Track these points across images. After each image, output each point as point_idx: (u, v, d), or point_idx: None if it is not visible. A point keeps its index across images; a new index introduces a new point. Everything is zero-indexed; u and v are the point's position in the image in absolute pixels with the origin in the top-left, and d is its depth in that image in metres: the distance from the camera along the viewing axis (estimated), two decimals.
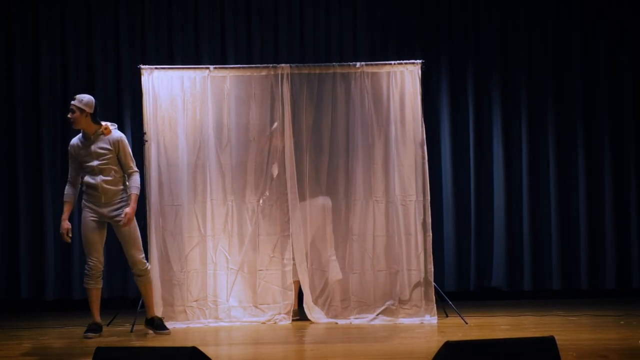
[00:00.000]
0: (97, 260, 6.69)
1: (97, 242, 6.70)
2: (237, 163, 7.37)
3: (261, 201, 7.32)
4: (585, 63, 8.66)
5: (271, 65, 7.41)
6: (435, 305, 7.22)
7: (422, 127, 7.32)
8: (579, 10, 8.67)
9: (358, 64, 7.42)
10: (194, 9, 8.61)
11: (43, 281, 8.37)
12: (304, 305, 7.26)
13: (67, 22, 8.53)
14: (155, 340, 6.50)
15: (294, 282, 7.30)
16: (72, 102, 6.69)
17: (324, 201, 7.35)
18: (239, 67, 7.52)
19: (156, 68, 7.36)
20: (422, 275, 7.25)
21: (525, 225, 8.58)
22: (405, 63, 7.41)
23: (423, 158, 7.31)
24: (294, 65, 7.42)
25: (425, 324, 7.09)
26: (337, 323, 7.19)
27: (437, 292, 7.28)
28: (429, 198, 7.31)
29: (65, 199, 6.78)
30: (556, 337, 4.31)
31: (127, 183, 6.74)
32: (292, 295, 7.29)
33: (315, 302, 7.27)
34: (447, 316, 7.37)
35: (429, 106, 8.41)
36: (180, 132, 7.32)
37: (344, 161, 7.38)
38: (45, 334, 6.94)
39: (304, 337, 6.68)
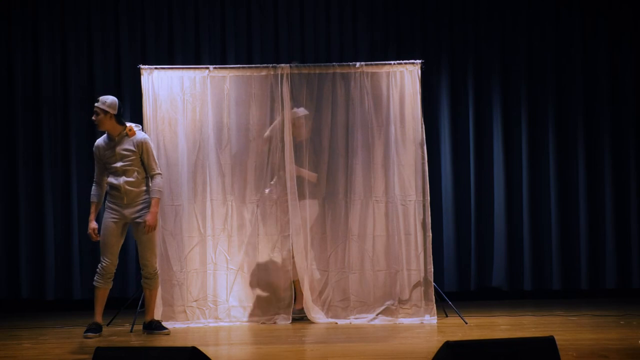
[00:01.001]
0: (110, 262, 6.70)
1: (113, 245, 6.70)
2: (237, 163, 7.38)
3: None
4: (586, 62, 8.67)
5: (271, 65, 7.41)
6: (435, 305, 7.22)
7: (422, 127, 7.32)
8: (579, 10, 8.68)
9: (358, 64, 7.42)
10: (194, 9, 8.62)
11: (43, 281, 8.37)
12: (304, 305, 7.26)
13: (67, 22, 8.54)
14: (155, 340, 6.50)
15: (295, 281, 7.30)
16: (96, 105, 6.70)
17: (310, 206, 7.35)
18: (239, 67, 7.52)
19: (156, 68, 7.36)
20: (422, 275, 7.25)
21: (526, 225, 8.59)
22: (405, 63, 7.41)
23: (423, 158, 7.31)
24: (294, 65, 7.42)
25: (425, 324, 7.09)
26: (337, 323, 7.19)
27: (437, 292, 7.28)
28: (429, 198, 7.31)
29: (92, 199, 6.78)
30: (556, 337, 4.32)
31: (150, 185, 6.75)
32: (292, 295, 7.29)
33: (315, 302, 7.27)
34: (447, 316, 7.37)
35: (429, 106, 8.42)
36: (180, 132, 7.33)
37: (343, 161, 7.38)
38: (45, 334, 6.94)
39: (304, 337, 6.68)
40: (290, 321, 7.24)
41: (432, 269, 7.24)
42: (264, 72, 7.39)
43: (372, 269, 7.31)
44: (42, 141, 8.45)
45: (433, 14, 8.72)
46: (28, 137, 8.46)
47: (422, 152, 7.31)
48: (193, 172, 7.33)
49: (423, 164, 7.30)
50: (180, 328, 7.07)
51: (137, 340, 6.55)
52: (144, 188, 6.75)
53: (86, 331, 6.67)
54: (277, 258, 7.32)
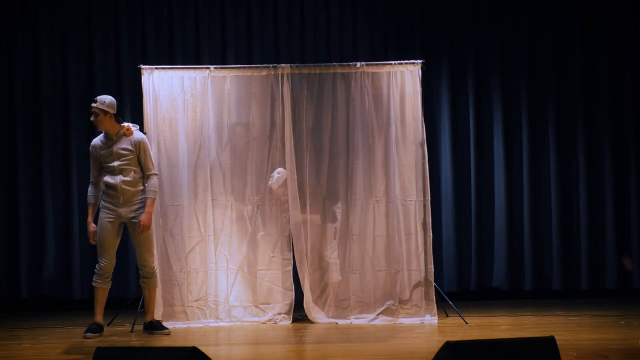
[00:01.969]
0: (108, 262, 6.70)
1: (110, 245, 6.70)
2: (237, 163, 7.38)
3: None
4: (586, 62, 8.67)
5: (271, 65, 7.41)
6: (435, 305, 7.22)
7: (422, 127, 7.31)
8: (579, 10, 8.68)
9: (358, 64, 7.42)
10: (194, 9, 8.61)
11: (43, 281, 8.37)
12: (304, 306, 7.26)
13: (67, 22, 8.54)
14: (155, 340, 6.50)
15: None
16: (94, 105, 6.69)
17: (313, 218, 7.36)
18: (239, 67, 7.52)
19: (156, 68, 7.36)
20: (423, 275, 7.25)
21: (526, 224, 8.59)
22: (406, 63, 7.40)
23: (423, 158, 7.31)
24: (294, 65, 7.41)
25: (426, 324, 7.09)
26: (337, 323, 7.19)
27: (437, 292, 7.27)
28: (429, 198, 7.31)
29: (89, 200, 6.77)
30: (556, 337, 4.32)
31: (146, 185, 6.76)
32: (292, 295, 7.29)
33: (316, 302, 7.27)
34: (447, 316, 7.37)
35: (429, 106, 8.42)
36: (181, 132, 7.32)
37: (344, 161, 7.38)
38: (45, 334, 6.93)
39: (304, 337, 6.68)
40: (291, 321, 7.24)
41: (433, 269, 7.24)
42: (264, 72, 7.39)
43: (373, 269, 7.31)
44: (42, 141, 8.45)
45: (433, 14, 8.72)
46: (28, 137, 8.46)
47: (423, 152, 7.31)
48: (193, 172, 7.33)
49: (423, 163, 7.30)
50: (181, 328, 7.07)
51: (137, 340, 6.55)
52: (141, 188, 6.76)
53: (86, 331, 6.67)
54: (277, 258, 7.31)
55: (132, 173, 6.71)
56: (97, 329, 6.70)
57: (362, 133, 7.37)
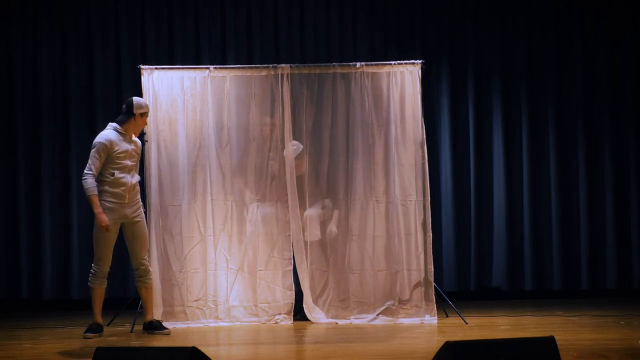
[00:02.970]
0: (106, 263, 6.73)
1: (110, 246, 6.72)
2: (237, 163, 7.38)
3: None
4: (586, 62, 8.67)
5: (271, 65, 7.41)
6: (435, 305, 7.22)
7: (422, 127, 7.32)
8: (579, 10, 8.68)
9: (358, 64, 7.42)
10: (194, 9, 8.61)
11: (43, 281, 8.37)
12: (304, 306, 7.25)
13: (67, 22, 8.53)
14: (155, 340, 6.50)
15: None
16: (148, 111, 6.87)
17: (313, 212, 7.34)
18: (239, 67, 7.52)
19: (156, 68, 7.36)
20: (422, 275, 7.25)
21: (526, 224, 8.59)
22: (405, 63, 7.41)
23: (423, 158, 7.31)
24: (294, 65, 7.42)
25: (426, 324, 7.09)
26: (337, 323, 7.19)
27: (437, 292, 7.28)
28: (429, 198, 7.31)
29: (92, 192, 6.61)
30: (556, 337, 4.32)
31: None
32: (292, 295, 7.29)
33: (315, 302, 7.27)
34: (447, 316, 7.37)
35: (429, 106, 8.41)
36: (181, 132, 7.33)
37: (344, 161, 7.38)
38: (45, 334, 6.94)
39: (304, 337, 6.68)
40: (291, 321, 7.24)
41: (433, 269, 7.24)
42: (264, 72, 7.39)
43: (372, 269, 7.31)
44: (42, 141, 8.44)
45: (433, 14, 8.72)
46: (28, 137, 8.46)
47: (423, 152, 7.31)
48: (193, 172, 7.33)
49: (423, 164, 7.30)
50: (180, 328, 7.07)
51: (137, 340, 6.55)
52: (138, 188, 6.88)
53: (86, 331, 6.67)
54: (277, 258, 7.31)
55: (136, 174, 6.83)
56: (96, 329, 6.70)
57: (362, 133, 7.37)
